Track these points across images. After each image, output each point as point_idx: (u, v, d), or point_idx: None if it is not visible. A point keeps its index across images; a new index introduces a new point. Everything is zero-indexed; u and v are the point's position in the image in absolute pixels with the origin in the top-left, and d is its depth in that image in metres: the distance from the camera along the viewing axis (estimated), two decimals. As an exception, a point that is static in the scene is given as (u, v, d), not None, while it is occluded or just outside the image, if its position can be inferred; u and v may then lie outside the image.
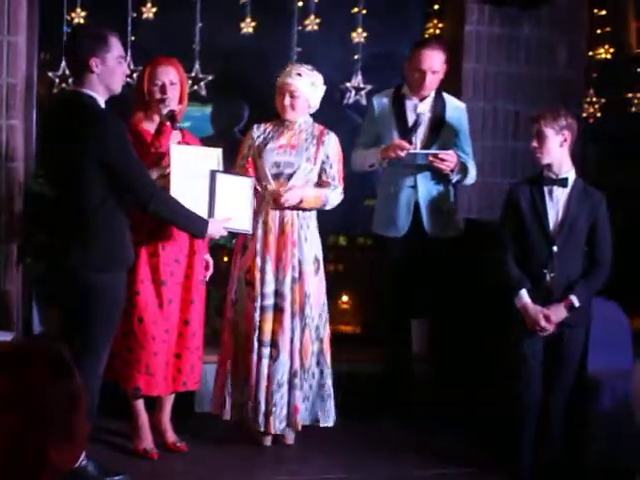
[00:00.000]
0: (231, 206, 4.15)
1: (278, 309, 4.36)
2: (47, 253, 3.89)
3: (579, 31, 5.64)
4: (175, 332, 4.25)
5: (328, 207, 4.50)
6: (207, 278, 4.40)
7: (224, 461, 4.29)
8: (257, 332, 4.34)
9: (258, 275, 4.36)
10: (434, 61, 4.68)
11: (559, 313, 4.11)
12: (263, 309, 4.36)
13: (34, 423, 1.52)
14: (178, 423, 4.49)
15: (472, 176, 4.87)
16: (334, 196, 4.48)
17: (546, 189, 4.18)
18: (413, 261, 4.80)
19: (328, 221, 4.71)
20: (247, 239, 4.40)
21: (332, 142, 4.47)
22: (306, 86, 4.38)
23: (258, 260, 4.37)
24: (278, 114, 4.48)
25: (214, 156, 4.19)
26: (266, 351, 4.34)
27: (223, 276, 4.78)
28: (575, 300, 4.10)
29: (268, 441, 4.46)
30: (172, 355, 4.25)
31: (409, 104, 4.79)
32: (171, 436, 4.40)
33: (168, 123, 4.13)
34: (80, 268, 3.71)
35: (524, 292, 4.15)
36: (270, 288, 4.36)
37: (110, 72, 3.72)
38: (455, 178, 4.80)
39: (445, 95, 4.88)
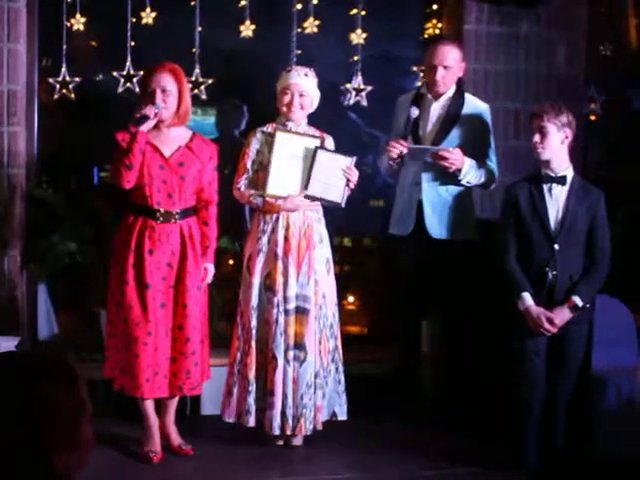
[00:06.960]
0: (326, 179, 4.36)
1: (300, 312, 4.37)
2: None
3: (578, 29, 5.64)
4: (169, 336, 4.25)
5: None
6: (203, 285, 4.34)
7: (230, 463, 4.28)
8: (284, 336, 4.35)
9: (281, 279, 4.35)
10: (445, 56, 4.63)
11: (562, 315, 4.09)
12: (286, 313, 4.36)
13: (39, 430, 1.53)
14: (183, 426, 4.49)
15: (494, 180, 4.74)
16: None
17: (545, 187, 4.16)
18: (417, 261, 4.74)
19: (333, 222, 4.71)
20: (260, 243, 4.38)
21: (331, 141, 4.51)
22: (313, 86, 4.40)
23: (280, 264, 4.36)
24: (275, 116, 4.45)
25: (316, 140, 4.40)
26: (291, 354, 4.36)
27: (229, 280, 4.76)
28: (578, 300, 4.09)
29: (281, 441, 4.49)
30: (167, 359, 4.25)
31: (425, 103, 4.73)
32: (176, 439, 4.40)
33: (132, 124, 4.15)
34: None
35: (527, 295, 4.13)
36: (293, 292, 4.36)
37: None
38: (465, 179, 4.64)
39: (467, 95, 4.80)
